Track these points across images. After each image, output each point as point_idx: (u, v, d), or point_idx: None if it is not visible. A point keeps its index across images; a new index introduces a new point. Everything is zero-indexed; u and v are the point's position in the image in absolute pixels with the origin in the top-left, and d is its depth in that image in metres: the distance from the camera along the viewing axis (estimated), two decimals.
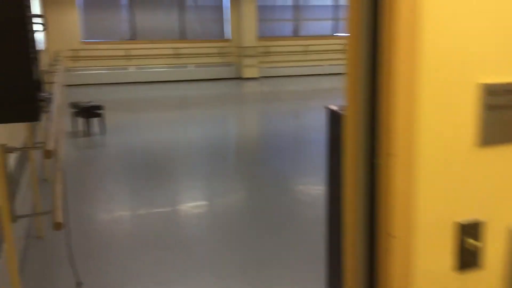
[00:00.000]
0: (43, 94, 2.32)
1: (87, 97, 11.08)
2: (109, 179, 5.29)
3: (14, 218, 2.09)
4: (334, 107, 2.55)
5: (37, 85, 2.27)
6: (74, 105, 7.46)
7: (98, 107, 7.32)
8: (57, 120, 2.70)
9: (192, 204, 4.54)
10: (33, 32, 2.57)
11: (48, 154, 1.84)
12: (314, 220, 3.99)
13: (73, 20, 13.66)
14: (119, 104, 10.78)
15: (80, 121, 7.43)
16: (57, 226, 1.88)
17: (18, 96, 2.07)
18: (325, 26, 16.29)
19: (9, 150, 2.06)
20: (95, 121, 7.43)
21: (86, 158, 6.20)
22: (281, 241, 3.62)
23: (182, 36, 14.81)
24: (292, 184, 5.13)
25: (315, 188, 4.89)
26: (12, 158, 3.66)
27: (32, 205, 4.06)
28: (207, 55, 14.98)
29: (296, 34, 15.99)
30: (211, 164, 5.83)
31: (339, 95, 12.39)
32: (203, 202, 4.59)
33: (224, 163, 5.94)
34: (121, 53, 14.13)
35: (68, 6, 13.53)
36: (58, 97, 3.85)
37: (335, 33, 16.31)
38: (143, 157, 6.17)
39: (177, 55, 14.65)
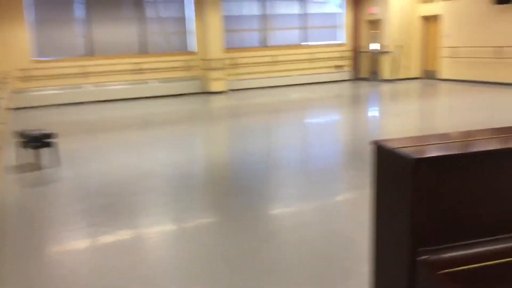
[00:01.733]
0: None
1: (39, 120, 9.98)
2: (62, 227, 4.32)
3: None
4: (384, 143, 1.78)
5: None
6: (21, 134, 6.42)
7: (50, 135, 6.31)
8: None
9: (157, 255, 3.69)
10: None
11: None
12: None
13: (23, 37, 12.48)
14: (75, 127, 9.72)
15: (29, 152, 6.40)
16: None
17: None
18: (292, 36, 15.70)
19: None
20: (46, 151, 6.42)
21: (34, 199, 5.18)
22: None
23: (143, 50, 13.85)
24: (275, 220, 4.34)
25: (301, 224, 4.10)
26: None
27: None
28: (171, 69, 14.06)
29: (263, 45, 15.32)
30: (180, 197, 4.95)
31: (310, 106, 11.76)
32: (172, 251, 3.73)
33: (195, 194, 5.07)
34: (77, 70, 13.03)
35: (16, 21, 12.36)
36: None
37: (303, 42, 15.74)
38: (102, 193, 5.20)
39: (138, 71, 13.67)
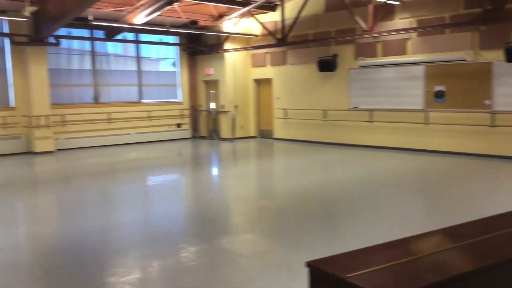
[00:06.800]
0: None
1: None
2: None
3: None
4: (318, 264, 1.43)
5: None
6: None
7: None
8: None
9: None
10: None
11: None
12: None
13: None
14: None
15: None
16: None
17: None
18: (128, 92, 15.08)
19: None
20: None
21: None
22: None
23: None
24: None
25: None
26: None
27: None
28: None
29: (96, 101, 14.32)
30: None
31: (150, 166, 11.15)
32: None
33: None
34: None
35: None
36: None
37: (139, 99, 15.21)
38: None
39: None
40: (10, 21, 12.06)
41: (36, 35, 11.87)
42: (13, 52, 12.40)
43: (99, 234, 5.57)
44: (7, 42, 12.38)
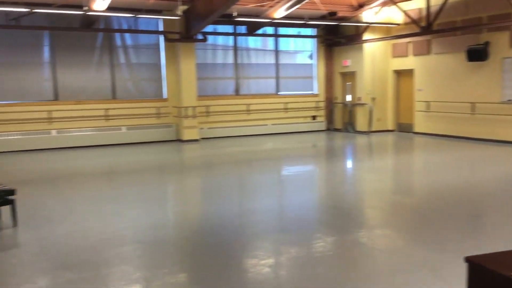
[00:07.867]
0: None
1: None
2: None
3: None
4: (479, 260, 1.35)
5: None
6: None
7: (9, 192, 5.61)
8: None
9: None
10: None
11: None
12: None
13: None
14: (37, 177, 8.93)
15: None
16: None
17: None
18: (266, 85, 15.58)
19: None
20: (3, 210, 5.69)
21: None
22: None
23: (114, 96, 13.33)
24: None
25: None
26: None
27: None
28: (143, 116, 13.55)
29: (237, 93, 15.07)
30: (160, 271, 4.25)
31: (287, 157, 11.41)
32: None
33: (177, 268, 4.39)
34: (42, 115, 12.33)
35: None
36: None
37: (276, 91, 15.62)
38: (69, 264, 4.46)
39: (109, 117, 13.09)
40: (164, 20, 13.25)
41: (187, 32, 12.88)
42: (166, 48, 13.61)
43: (238, 218, 5.90)
44: (161, 39, 13.63)
